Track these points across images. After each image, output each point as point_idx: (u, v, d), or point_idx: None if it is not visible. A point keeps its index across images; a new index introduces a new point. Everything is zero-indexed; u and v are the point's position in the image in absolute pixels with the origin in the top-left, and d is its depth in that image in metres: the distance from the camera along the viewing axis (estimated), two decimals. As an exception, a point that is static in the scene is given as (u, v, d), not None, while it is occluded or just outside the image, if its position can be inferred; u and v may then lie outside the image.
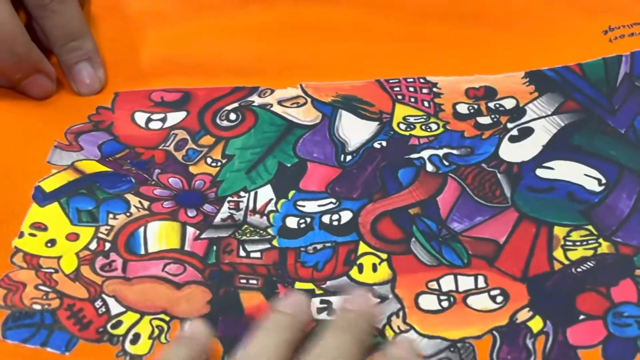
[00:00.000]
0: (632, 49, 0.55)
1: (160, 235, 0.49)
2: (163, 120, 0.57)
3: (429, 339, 0.44)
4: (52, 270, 0.47)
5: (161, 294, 0.46)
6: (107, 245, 0.49)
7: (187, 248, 0.48)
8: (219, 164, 0.53)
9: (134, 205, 0.51)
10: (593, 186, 0.49)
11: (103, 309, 0.46)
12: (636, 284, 0.44)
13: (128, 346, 0.44)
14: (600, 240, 0.46)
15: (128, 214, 0.50)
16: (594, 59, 0.55)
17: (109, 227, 0.50)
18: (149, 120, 0.57)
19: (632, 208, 0.48)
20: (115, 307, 0.46)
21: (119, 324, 0.45)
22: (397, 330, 0.44)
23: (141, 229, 0.49)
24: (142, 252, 0.48)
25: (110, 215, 0.50)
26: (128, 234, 0.49)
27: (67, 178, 0.52)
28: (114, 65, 0.60)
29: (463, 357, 0.43)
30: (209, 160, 0.54)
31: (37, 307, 0.45)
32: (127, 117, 0.57)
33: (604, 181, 0.49)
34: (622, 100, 0.53)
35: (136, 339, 0.44)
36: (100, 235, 0.49)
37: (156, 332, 0.45)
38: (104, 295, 0.46)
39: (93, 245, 0.49)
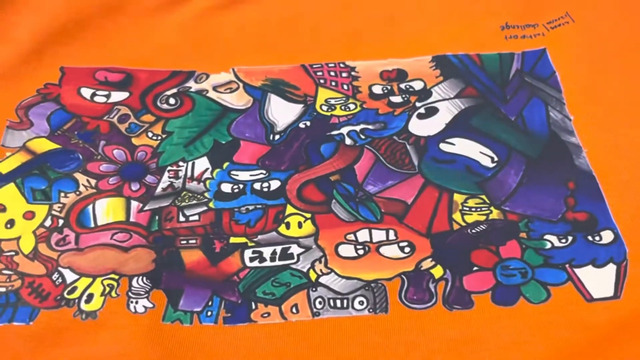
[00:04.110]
0: (523, 49, 0.58)
1: (107, 210, 0.50)
2: (107, 96, 0.56)
3: (347, 280, 0.46)
4: (13, 253, 0.48)
5: (110, 257, 0.47)
6: (61, 222, 0.49)
7: (132, 219, 0.49)
8: (159, 137, 0.54)
9: (83, 184, 0.51)
10: (487, 162, 0.51)
11: (60, 280, 0.47)
12: (520, 244, 0.47)
13: (83, 305, 0.46)
14: (492, 208, 0.49)
15: (77, 192, 0.51)
16: (491, 53, 0.57)
17: (61, 205, 0.50)
18: (93, 94, 0.56)
19: (518, 183, 0.50)
20: (70, 276, 0.47)
21: (74, 289, 0.46)
22: (320, 273, 0.47)
23: (90, 206, 0.50)
24: (92, 225, 0.49)
25: (62, 194, 0.50)
26: (78, 211, 0.50)
27: (21, 160, 0.52)
28: (59, 41, 0.59)
29: (376, 295, 0.45)
30: (149, 134, 0.54)
31: (2, 289, 0.47)
32: (73, 90, 0.57)
33: (496, 159, 0.51)
34: (513, 92, 0.55)
35: (90, 298, 0.46)
36: (54, 212, 0.50)
37: (107, 289, 0.46)
38: (60, 268, 0.47)
39: (48, 222, 0.49)
